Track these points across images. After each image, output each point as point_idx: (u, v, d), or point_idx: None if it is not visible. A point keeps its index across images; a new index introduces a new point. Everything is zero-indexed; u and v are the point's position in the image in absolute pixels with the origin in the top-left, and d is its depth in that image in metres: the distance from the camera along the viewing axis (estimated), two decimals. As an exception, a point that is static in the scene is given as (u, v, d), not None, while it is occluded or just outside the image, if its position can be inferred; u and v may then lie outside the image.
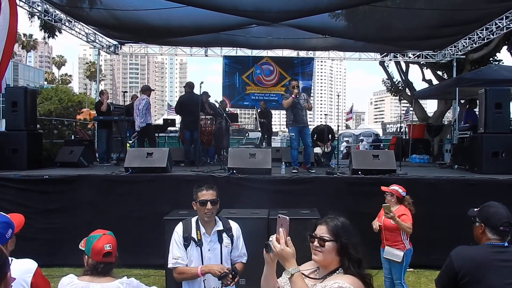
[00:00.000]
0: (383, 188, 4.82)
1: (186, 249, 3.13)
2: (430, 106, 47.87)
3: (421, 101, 18.43)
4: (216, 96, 28.40)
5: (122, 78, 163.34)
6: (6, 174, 6.73)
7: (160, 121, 14.91)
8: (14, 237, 2.41)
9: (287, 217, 1.95)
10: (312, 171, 7.54)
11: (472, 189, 6.36)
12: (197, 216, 3.23)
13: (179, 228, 3.23)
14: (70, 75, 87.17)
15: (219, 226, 3.22)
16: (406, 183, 6.43)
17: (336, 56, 14.43)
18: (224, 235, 3.20)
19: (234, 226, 3.33)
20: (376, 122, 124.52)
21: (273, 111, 13.79)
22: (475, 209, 2.64)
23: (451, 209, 6.09)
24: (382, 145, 17.73)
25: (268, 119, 12.76)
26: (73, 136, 12.78)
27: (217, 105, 10.35)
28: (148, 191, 6.46)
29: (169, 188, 6.47)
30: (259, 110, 12.76)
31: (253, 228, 5.35)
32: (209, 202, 3.10)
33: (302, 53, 14.65)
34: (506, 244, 2.45)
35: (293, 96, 7.51)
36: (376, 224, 4.72)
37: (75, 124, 14.80)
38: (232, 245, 3.23)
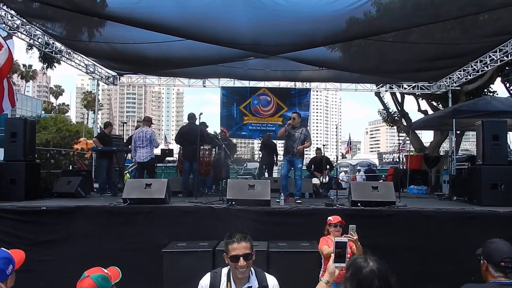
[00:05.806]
0: (339, 219, 4.87)
1: None
2: (426, 136, 48.10)
3: (417, 132, 18.52)
4: (213, 126, 28.57)
5: (119, 107, 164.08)
6: (3, 205, 6.64)
7: (158, 151, 14.85)
8: (14, 273, 2.36)
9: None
10: (299, 201, 7.64)
11: (473, 222, 6.30)
12: (229, 267, 2.80)
13: (205, 281, 2.81)
14: (68, 105, 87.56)
15: (253, 284, 2.74)
16: (406, 216, 6.46)
17: (333, 87, 14.64)
18: None
19: (272, 282, 2.82)
20: (372, 151, 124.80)
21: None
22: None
23: (453, 241, 6.04)
24: (384, 176, 17.59)
25: (267, 150, 12.50)
26: (71, 166, 12.72)
27: (217, 135, 10.37)
28: (146, 223, 6.38)
29: (168, 220, 6.40)
30: (261, 142, 12.72)
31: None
32: (241, 258, 2.62)
33: (299, 84, 14.82)
34: (512, 282, 2.42)
35: (285, 126, 7.95)
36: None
37: (72, 154, 14.70)
38: None
